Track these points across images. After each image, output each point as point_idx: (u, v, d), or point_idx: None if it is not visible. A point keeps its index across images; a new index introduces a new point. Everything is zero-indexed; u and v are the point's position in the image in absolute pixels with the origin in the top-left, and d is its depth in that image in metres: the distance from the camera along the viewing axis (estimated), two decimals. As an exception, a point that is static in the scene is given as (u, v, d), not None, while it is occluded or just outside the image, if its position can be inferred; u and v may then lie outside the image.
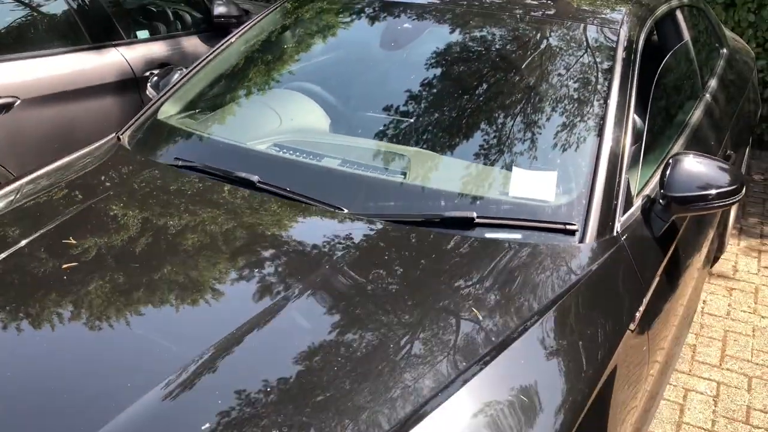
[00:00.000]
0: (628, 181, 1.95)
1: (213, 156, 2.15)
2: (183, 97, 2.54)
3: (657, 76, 2.35)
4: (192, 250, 1.71)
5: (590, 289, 1.65)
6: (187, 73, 2.64)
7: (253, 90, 2.53)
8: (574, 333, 1.53)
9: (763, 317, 3.25)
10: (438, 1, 2.62)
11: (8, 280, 1.64)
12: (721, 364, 2.93)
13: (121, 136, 2.39)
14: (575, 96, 2.11)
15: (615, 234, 1.81)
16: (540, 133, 2.04)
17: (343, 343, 1.42)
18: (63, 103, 3.34)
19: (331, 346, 1.41)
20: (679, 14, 2.98)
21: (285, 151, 2.11)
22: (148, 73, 3.71)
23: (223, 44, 2.75)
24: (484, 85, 2.24)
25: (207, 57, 2.69)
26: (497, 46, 2.35)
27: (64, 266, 1.66)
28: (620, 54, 2.21)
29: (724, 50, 3.62)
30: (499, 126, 2.09)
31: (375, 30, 2.57)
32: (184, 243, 1.74)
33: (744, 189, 1.96)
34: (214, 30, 4.27)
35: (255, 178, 1.97)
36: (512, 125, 2.08)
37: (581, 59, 2.23)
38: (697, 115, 2.74)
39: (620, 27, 2.32)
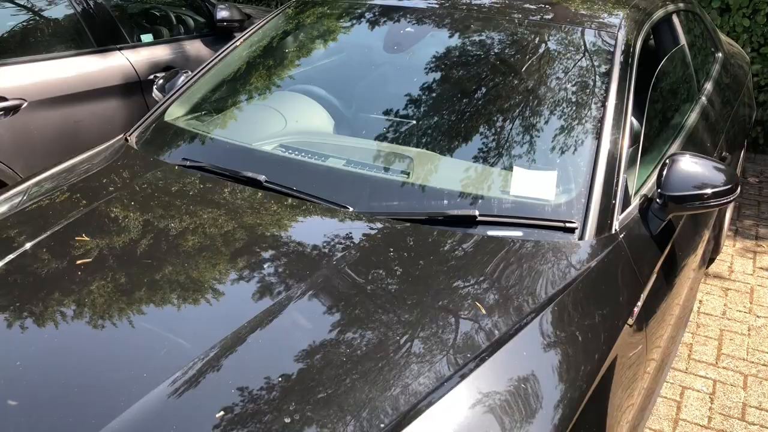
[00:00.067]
0: (626, 181, 1.99)
1: (220, 156, 2.19)
2: (189, 99, 2.59)
3: (654, 79, 2.40)
4: (200, 248, 1.75)
5: (589, 284, 1.69)
6: (193, 76, 2.68)
7: (259, 92, 2.57)
8: (574, 327, 1.57)
9: (758, 317, 3.30)
10: (439, 6, 2.67)
11: (22, 277, 1.67)
12: (717, 363, 2.98)
13: (128, 137, 2.43)
14: (574, 98, 2.16)
15: (613, 232, 1.85)
16: (540, 134, 2.09)
17: (349, 339, 1.45)
18: (69, 105, 3.39)
19: (337, 342, 1.44)
20: (675, 19, 3.03)
21: (291, 151, 2.16)
22: (152, 76, 3.75)
23: (228, 48, 2.79)
24: (486, 88, 2.29)
25: (212, 60, 2.74)
26: (499, 50, 2.40)
27: (78, 262, 1.70)
28: (618, 57, 2.25)
29: (720, 54, 3.67)
30: (500, 127, 2.14)
31: (378, 34, 2.62)
32: (192, 241, 1.78)
33: (739, 188, 2.00)
34: (217, 34, 4.32)
35: (262, 177, 2.01)
36: (513, 127, 2.13)
37: (580, 62, 2.27)
38: (693, 117, 2.79)
39: (618, 31, 2.37)
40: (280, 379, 1.35)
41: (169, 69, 3.75)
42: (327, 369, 1.37)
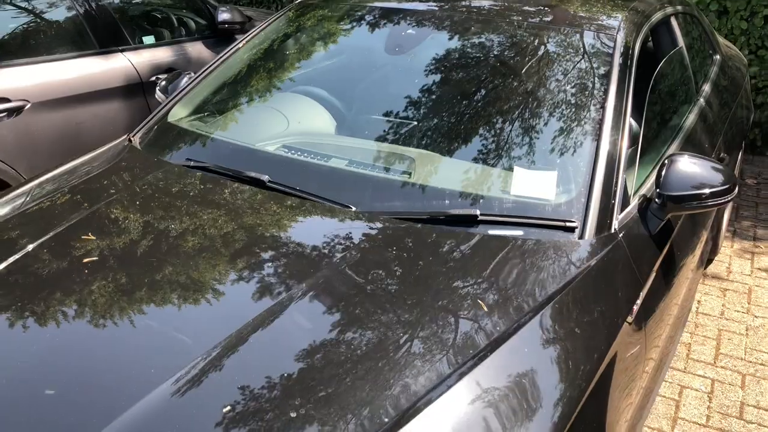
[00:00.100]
0: (625, 181, 2.01)
1: (223, 157, 2.21)
2: (193, 100, 2.61)
3: (652, 80, 2.42)
4: (204, 248, 1.76)
5: (589, 282, 1.71)
6: (196, 78, 2.70)
7: (261, 94, 2.59)
8: (574, 324, 1.58)
9: (756, 317, 3.32)
10: (439, 9, 2.69)
11: (28, 276, 1.68)
12: (715, 362, 3.00)
13: (132, 138, 2.45)
14: (574, 100, 2.18)
15: (613, 231, 1.88)
16: (541, 135, 2.11)
17: (351, 338, 1.47)
18: (72, 106, 3.41)
19: (339, 341, 1.46)
20: (673, 21, 3.05)
21: (294, 152, 2.18)
22: (153, 78, 3.78)
23: (230, 50, 2.81)
24: (487, 89, 2.31)
25: (215, 62, 2.76)
26: (499, 52, 2.42)
27: (85, 260, 1.72)
28: (617, 59, 2.27)
29: (718, 56, 3.70)
30: (502, 128, 2.16)
31: (379, 36, 2.64)
32: (196, 241, 1.79)
33: (736, 189, 2.02)
34: (218, 36, 4.35)
35: (265, 177, 2.03)
36: (514, 128, 2.15)
37: (579, 64, 2.30)
38: (691, 119, 2.81)
39: (617, 33, 2.39)
40: (282, 378, 1.36)
41: (171, 71, 3.78)
42: (328, 368, 1.39)
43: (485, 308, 1.56)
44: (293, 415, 1.29)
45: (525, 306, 1.59)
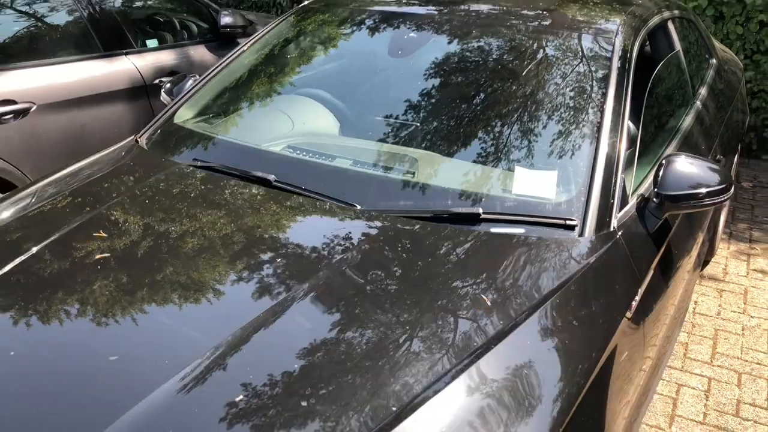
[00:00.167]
0: (624, 181, 2.05)
1: (229, 157, 2.24)
2: (198, 102, 2.64)
3: (650, 84, 2.46)
4: (211, 247, 1.79)
5: (589, 279, 1.75)
6: (202, 80, 2.74)
7: (266, 95, 2.63)
8: (574, 320, 1.61)
9: (751, 317, 3.37)
10: (441, 13, 2.74)
11: (39, 275, 1.71)
12: (712, 361, 3.04)
13: (139, 139, 2.49)
14: (573, 102, 2.22)
15: (612, 229, 1.92)
16: (541, 136, 2.15)
17: (354, 336, 1.49)
18: (76, 109, 3.44)
19: (340, 340, 1.49)
20: (670, 25, 3.10)
21: (299, 152, 2.22)
22: (157, 81, 3.82)
23: (235, 53, 2.85)
24: (489, 91, 2.35)
25: (220, 65, 2.80)
26: (501, 55, 2.45)
27: (97, 257, 1.75)
28: (615, 63, 2.31)
29: (714, 60, 3.74)
30: (503, 129, 2.19)
31: (382, 39, 2.68)
32: (204, 240, 1.82)
33: (732, 188, 2.07)
34: (221, 40, 4.38)
35: (271, 177, 2.07)
36: (515, 129, 2.18)
37: (578, 68, 2.34)
38: (687, 121, 2.85)
39: (615, 37, 2.43)
40: (284, 376, 1.39)
41: (174, 74, 3.82)
42: (330, 366, 1.41)
43: (488, 302, 1.60)
44: (296, 412, 1.31)
45: (527, 301, 1.62)
